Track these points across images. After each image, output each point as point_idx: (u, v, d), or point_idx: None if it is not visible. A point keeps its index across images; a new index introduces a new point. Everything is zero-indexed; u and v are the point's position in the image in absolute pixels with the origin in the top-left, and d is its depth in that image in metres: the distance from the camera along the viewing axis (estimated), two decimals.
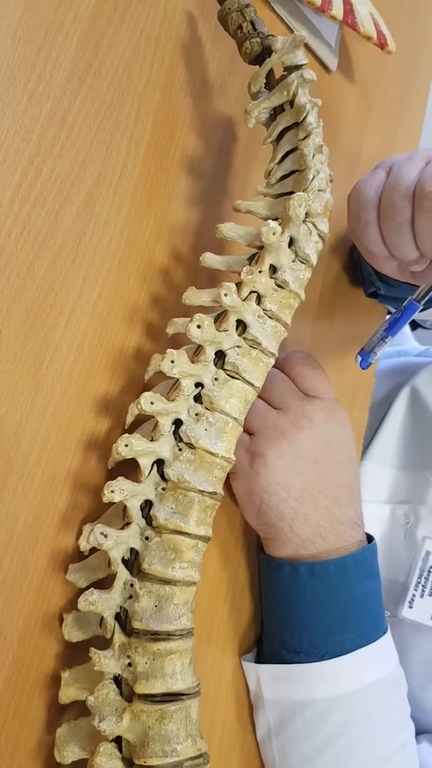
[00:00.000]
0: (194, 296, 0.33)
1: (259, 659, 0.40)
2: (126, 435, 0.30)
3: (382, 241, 0.37)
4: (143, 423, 0.33)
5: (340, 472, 0.39)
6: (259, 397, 0.39)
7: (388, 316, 0.39)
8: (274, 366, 0.38)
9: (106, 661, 0.29)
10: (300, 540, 0.37)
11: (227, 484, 0.38)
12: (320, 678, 0.36)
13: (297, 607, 0.37)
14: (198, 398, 0.32)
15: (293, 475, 0.37)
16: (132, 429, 0.32)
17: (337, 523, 0.38)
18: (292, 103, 0.35)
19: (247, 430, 0.38)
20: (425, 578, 0.47)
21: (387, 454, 0.55)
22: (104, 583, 0.30)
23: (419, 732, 0.43)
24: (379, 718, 0.37)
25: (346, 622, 0.37)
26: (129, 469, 0.31)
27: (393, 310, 0.54)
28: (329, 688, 0.36)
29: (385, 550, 0.51)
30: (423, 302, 0.38)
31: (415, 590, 0.47)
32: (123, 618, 0.30)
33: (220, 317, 0.33)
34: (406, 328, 0.91)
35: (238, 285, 0.33)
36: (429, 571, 0.48)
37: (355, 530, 0.39)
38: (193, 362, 0.32)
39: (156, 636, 0.29)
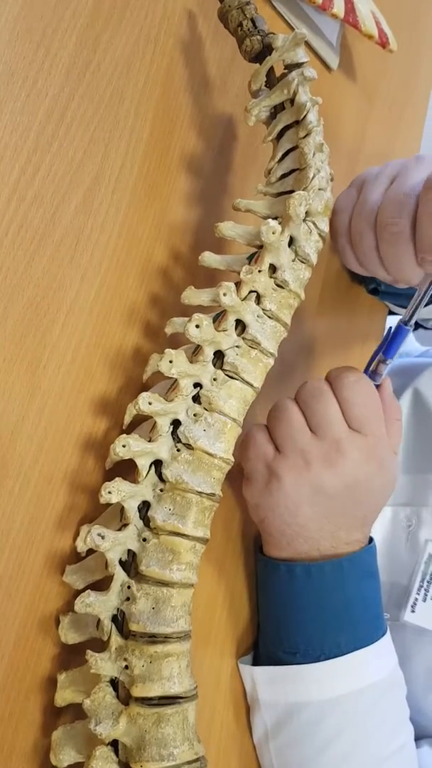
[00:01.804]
0: (193, 296, 0.33)
1: (256, 661, 0.39)
2: (124, 435, 0.30)
3: (359, 264, 0.37)
4: (141, 423, 0.32)
5: (358, 508, 0.37)
6: (299, 407, 0.36)
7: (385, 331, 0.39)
8: (324, 378, 0.37)
9: (103, 664, 0.29)
10: (296, 552, 0.37)
11: (226, 484, 0.38)
12: (317, 679, 0.36)
13: (293, 608, 0.37)
14: (197, 398, 0.32)
15: (305, 506, 0.36)
16: (130, 429, 0.32)
17: (339, 542, 0.37)
18: (292, 101, 0.34)
19: (275, 443, 0.37)
20: (428, 582, 0.47)
21: None
22: (101, 585, 0.30)
23: (421, 737, 0.42)
24: (377, 719, 0.37)
25: (342, 623, 0.37)
26: (127, 470, 0.31)
27: (394, 306, 0.54)
28: (326, 689, 0.36)
29: (387, 553, 0.51)
30: (411, 323, 0.37)
31: (418, 594, 0.47)
32: (120, 620, 0.29)
33: (219, 317, 0.32)
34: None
35: (238, 284, 0.32)
36: None
37: (357, 544, 0.38)
38: (191, 362, 0.31)
39: (153, 638, 0.29)
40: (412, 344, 0.87)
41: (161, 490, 0.30)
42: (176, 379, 0.31)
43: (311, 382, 0.37)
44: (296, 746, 0.37)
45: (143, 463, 0.30)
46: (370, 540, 0.39)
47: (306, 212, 0.33)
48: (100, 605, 0.29)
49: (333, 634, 0.36)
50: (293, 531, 0.36)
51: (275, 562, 0.37)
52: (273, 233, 0.32)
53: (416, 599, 0.47)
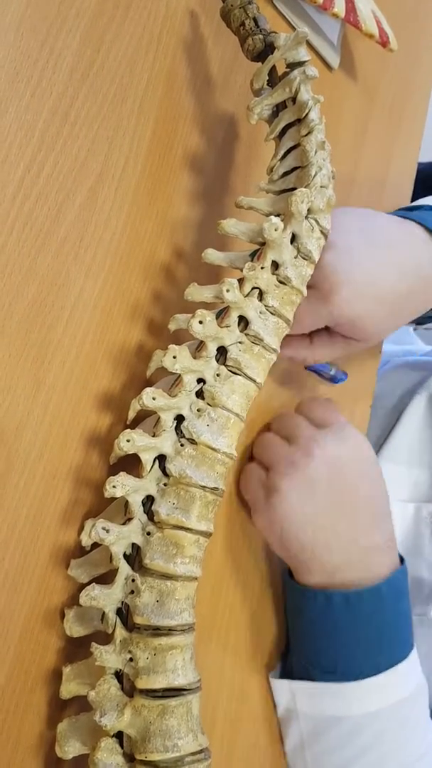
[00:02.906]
0: (196, 292, 0.33)
1: (286, 673, 0.40)
2: (128, 430, 0.30)
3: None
4: (145, 419, 0.33)
5: (357, 494, 0.39)
6: (272, 431, 0.41)
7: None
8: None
9: (108, 656, 0.29)
10: (326, 568, 0.37)
11: (229, 480, 0.38)
12: (356, 696, 0.37)
13: (331, 634, 0.38)
14: (200, 394, 0.32)
15: (309, 504, 0.37)
16: (134, 425, 0.32)
17: (363, 553, 0.38)
18: (294, 99, 0.35)
19: (263, 465, 0.39)
20: None
21: (404, 453, 0.55)
22: (106, 579, 0.31)
23: None
24: (410, 726, 0.38)
25: (381, 645, 0.38)
26: (131, 464, 0.31)
27: None
28: (365, 704, 0.37)
29: (410, 548, 0.51)
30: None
31: None
32: (124, 613, 0.30)
33: (222, 313, 0.33)
34: (410, 327, 0.91)
35: (240, 281, 0.33)
36: None
37: (385, 555, 0.39)
38: (194, 358, 0.32)
39: (157, 631, 0.29)
40: (417, 343, 0.87)
41: (165, 485, 0.31)
42: (179, 375, 0.31)
43: (278, 414, 0.43)
44: (333, 754, 0.38)
45: (147, 458, 0.30)
46: (401, 560, 0.40)
47: (308, 209, 0.33)
48: (105, 598, 0.29)
49: (372, 656, 0.37)
50: (311, 538, 0.37)
51: (312, 591, 0.38)
52: (275, 230, 0.32)
53: None
